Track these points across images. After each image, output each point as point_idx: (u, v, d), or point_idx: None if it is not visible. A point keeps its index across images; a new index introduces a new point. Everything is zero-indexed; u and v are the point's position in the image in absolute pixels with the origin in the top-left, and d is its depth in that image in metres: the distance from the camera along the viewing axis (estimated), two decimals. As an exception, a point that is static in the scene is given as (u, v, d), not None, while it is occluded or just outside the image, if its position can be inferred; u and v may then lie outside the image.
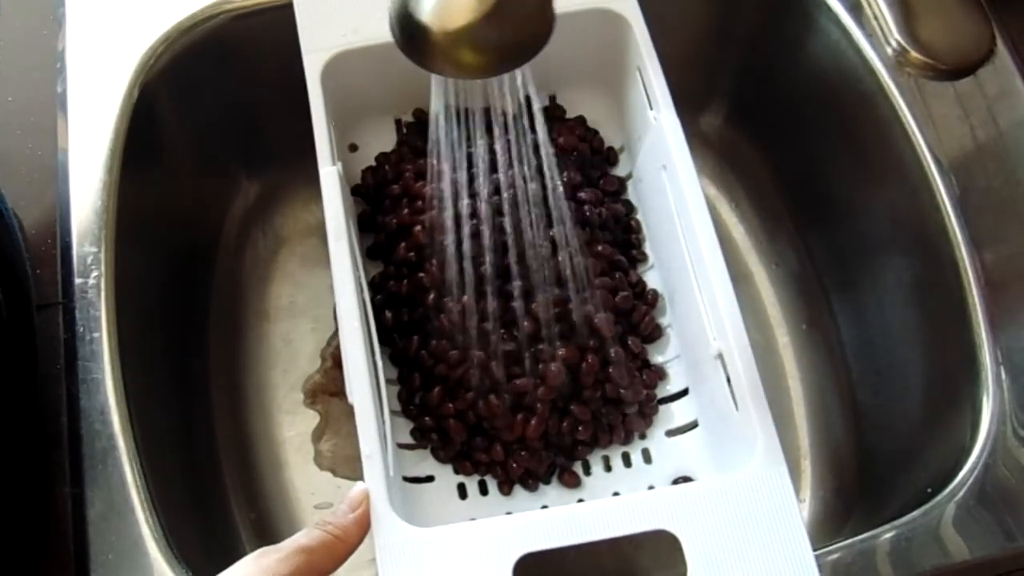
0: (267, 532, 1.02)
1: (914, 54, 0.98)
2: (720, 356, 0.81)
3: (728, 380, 0.80)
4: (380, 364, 0.84)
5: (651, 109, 0.90)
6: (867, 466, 1.03)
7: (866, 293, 1.04)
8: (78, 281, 0.89)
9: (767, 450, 0.74)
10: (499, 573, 0.69)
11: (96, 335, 0.87)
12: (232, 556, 0.99)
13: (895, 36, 0.98)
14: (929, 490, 0.84)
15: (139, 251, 0.96)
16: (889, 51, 0.99)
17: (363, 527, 0.71)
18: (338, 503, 1.03)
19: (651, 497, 0.74)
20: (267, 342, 1.11)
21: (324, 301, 1.13)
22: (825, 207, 1.10)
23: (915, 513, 0.82)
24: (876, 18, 1.00)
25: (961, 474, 0.83)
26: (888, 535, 0.82)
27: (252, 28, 1.02)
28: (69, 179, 0.93)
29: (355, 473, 1.05)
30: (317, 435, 1.07)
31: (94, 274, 0.89)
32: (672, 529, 0.71)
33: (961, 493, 0.83)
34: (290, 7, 0.92)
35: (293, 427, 1.07)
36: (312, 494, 1.04)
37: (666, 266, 0.94)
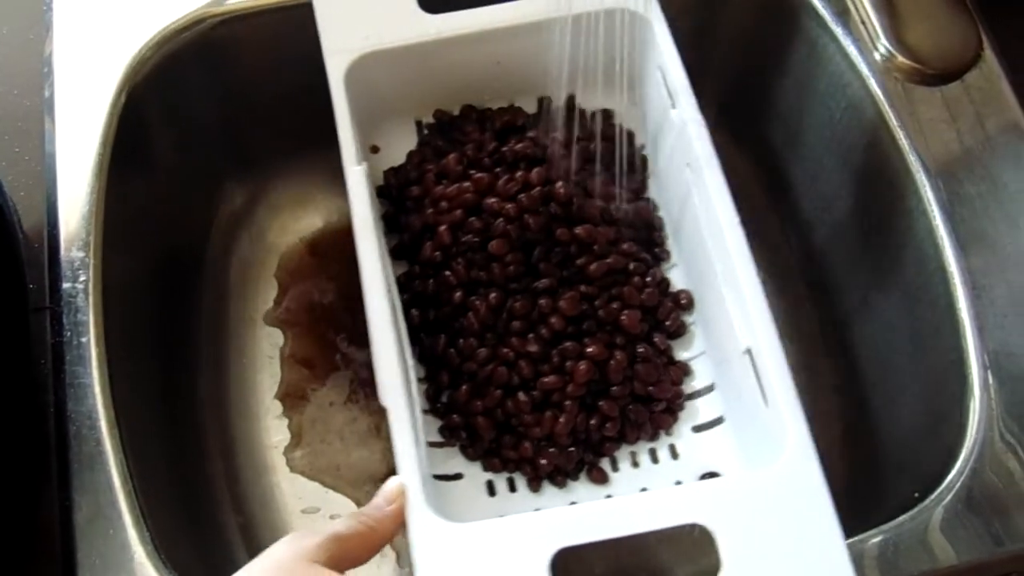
0: (254, 537, 1.02)
1: (901, 59, 0.98)
2: (749, 352, 0.81)
3: (757, 375, 0.80)
4: (411, 362, 0.83)
5: (673, 108, 0.90)
6: (855, 470, 1.03)
7: (853, 298, 1.04)
8: (66, 286, 0.89)
9: (799, 444, 0.74)
10: (536, 567, 0.69)
11: (84, 340, 0.87)
12: (220, 560, 0.99)
13: (882, 41, 0.99)
14: (917, 495, 0.84)
15: (127, 256, 0.96)
16: (876, 56, 0.99)
17: (398, 521, 0.72)
18: (327, 509, 1.03)
19: (686, 491, 0.75)
20: (254, 347, 1.11)
21: (311, 307, 1.13)
22: (813, 212, 1.10)
23: (903, 518, 0.82)
24: (863, 23, 1.00)
25: (949, 478, 0.84)
26: (876, 540, 0.82)
27: (239, 33, 1.02)
28: (57, 184, 0.93)
29: (332, 481, 1.05)
30: (292, 444, 1.07)
31: (82, 279, 0.89)
32: (707, 523, 0.71)
33: (949, 498, 0.83)
34: (276, 12, 0.92)
35: (280, 432, 1.07)
36: (299, 499, 1.04)
37: (689, 263, 0.94)
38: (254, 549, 1.00)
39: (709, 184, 0.85)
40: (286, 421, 1.08)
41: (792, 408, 0.76)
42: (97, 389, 0.85)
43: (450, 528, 0.71)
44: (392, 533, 0.71)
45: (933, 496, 0.83)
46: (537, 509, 0.85)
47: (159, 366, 1.01)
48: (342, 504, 1.04)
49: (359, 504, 1.04)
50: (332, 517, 1.03)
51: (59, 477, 0.83)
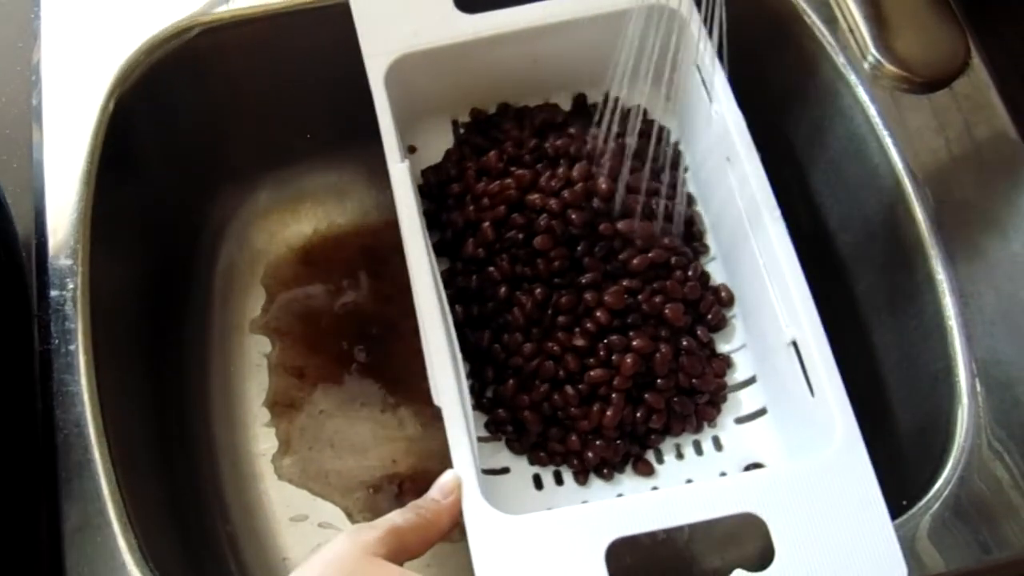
0: (243, 544, 1.01)
1: (890, 67, 0.98)
2: (794, 343, 0.82)
3: (803, 367, 0.81)
4: (460, 356, 0.84)
5: (711, 103, 0.91)
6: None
7: (842, 306, 1.04)
8: (53, 294, 0.89)
9: (847, 433, 0.76)
10: (591, 558, 0.70)
11: (72, 347, 0.87)
12: (208, 568, 0.98)
13: (871, 49, 0.99)
14: (904, 502, 0.84)
15: (115, 263, 0.96)
16: (865, 64, 0.99)
17: (454, 513, 0.73)
18: (315, 517, 1.02)
19: (738, 481, 0.77)
20: (243, 355, 1.11)
21: (299, 315, 1.13)
22: (800, 219, 1.10)
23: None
24: (852, 31, 1.00)
25: (936, 486, 0.84)
26: (864, 547, 0.82)
27: (227, 41, 1.02)
28: (45, 191, 0.93)
29: (320, 489, 1.05)
30: (281, 452, 1.07)
31: (70, 286, 0.89)
32: (759, 512, 0.72)
33: (936, 505, 0.83)
34: (264, 20, 0.92)
35: (268, 440, 1.07)
36: (287, 507, 1.04)
37: (728, 256, 0.95)
38: (242, 557, 1.00)
39: (751, 177, 0.86)
40: (274, 429, 1.08)
41: (839, 398, 0.77)
42: (85, 397, 0.85)
43: (506, 520, 0.72)
44: (449, 526, 0.72)
45: (921, 504, 0.83)
46: (584, 502, 0.86)
47: (147, 373, 1.01)
48: (331, 512, 1.04)
49: (348, 513, 1.04)
50: (320, 525, 1.03)
51: (47, 485, 0.83)
